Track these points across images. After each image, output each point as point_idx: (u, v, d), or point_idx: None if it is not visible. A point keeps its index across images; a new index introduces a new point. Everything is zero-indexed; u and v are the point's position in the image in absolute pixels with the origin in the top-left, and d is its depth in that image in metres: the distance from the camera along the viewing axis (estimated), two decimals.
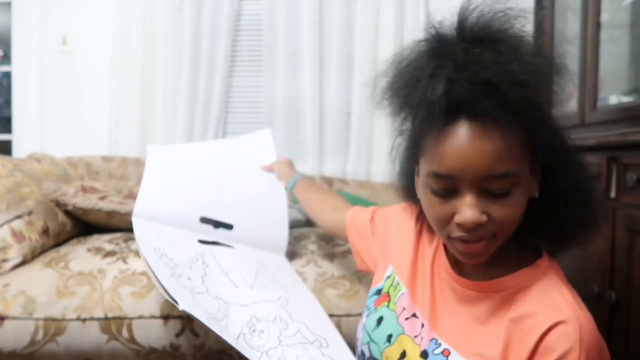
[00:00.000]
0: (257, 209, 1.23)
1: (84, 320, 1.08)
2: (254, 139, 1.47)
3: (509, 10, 0.64)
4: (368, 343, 0.82)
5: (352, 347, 0.85)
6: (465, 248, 0.64)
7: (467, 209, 0.61)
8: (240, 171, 1.34)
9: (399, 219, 0.90)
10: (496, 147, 0.59)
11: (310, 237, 1.44)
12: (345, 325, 1.12)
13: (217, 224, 1.13)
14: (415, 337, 0.75)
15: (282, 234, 1.22)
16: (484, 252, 0.65)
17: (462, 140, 0.60)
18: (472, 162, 0.60)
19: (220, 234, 1.13)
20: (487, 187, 0.61)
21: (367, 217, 0.98)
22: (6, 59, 2.47)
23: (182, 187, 1.19)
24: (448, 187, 0.62)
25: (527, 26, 0.65)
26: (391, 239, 0.89)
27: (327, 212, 1.11)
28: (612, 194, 1.21)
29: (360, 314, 1.12)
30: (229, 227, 1.14)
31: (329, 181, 2.17)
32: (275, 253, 1.19)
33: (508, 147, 0.60)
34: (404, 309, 0.79)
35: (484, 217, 0.61)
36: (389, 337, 0.78)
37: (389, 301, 0.83)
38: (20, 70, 2.37)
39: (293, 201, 1.80)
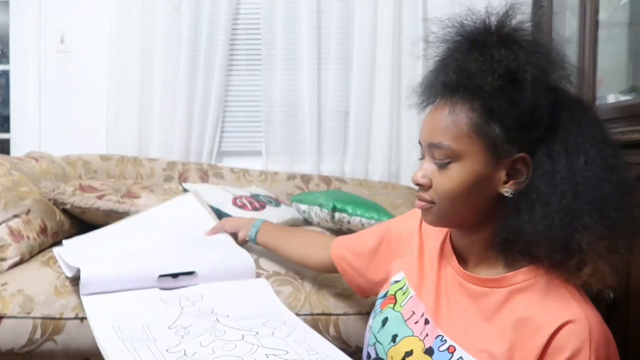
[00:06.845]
0: (212, 250, 1.17)
1: (82, 319, 1.08)
2: (178, 203, 1.40)
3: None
4: (374, 344, 0.82)
5: (348, 347, 0.84)
6: (416, 203, 0.75)
7: (418, 170, 0.73)
8: (178, 228, 1.26)
9: (409, 225, 0.91)
10: (441, 120, 0.69)
11: None
12: (343, 324, 1.12)
13: (176, 275, 1.06)
14: (421, 334, 0.75)
15: (245, 262, 1.15)
16: (428, 214, 0.74)
17: (429, 112, 0.74)
18: (425, 129, 0.73)
19: (181, 281, 1.08)
20: (432, 154, 0.71)
21: (370, 242, 0.95)
22: (4, 57, 2.46)
23: (125, 253, 1.12)
24: (422, 151, 0.75)
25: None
26: (406, 250, 0.89)
27: (318, 251, 1.06)
28: None
29: (358, 313, 1.12)
30: (190, 273, 1.08)
31: (327, 180, 2.16)
32: (248, 278, 1.14)
33: (453, 123, 0.68)
34: (413, 312, 0.79)
35: (424, 180, 0.72)
36: (394, 337, 0.79)
37: (394, 303, 0.83)
38: (18, 69, 2.36)
39: (291, 200, 1.80)
